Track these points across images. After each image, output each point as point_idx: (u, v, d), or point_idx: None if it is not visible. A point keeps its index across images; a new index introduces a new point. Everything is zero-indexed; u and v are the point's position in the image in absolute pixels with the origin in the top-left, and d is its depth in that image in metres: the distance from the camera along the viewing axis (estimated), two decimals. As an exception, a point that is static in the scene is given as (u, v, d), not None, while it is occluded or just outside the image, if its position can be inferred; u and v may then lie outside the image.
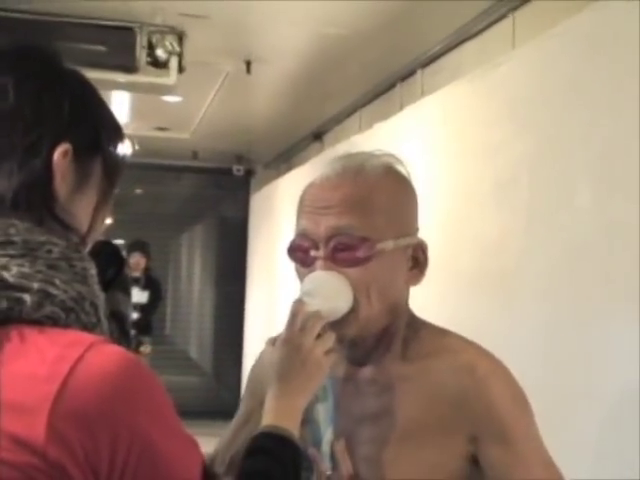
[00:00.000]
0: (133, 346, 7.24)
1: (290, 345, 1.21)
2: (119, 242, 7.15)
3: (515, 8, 3.65)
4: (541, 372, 2.59)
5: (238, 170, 8.69)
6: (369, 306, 1.27)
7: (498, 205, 3.16)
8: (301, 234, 1.31)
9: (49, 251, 0.91)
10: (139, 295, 7.64)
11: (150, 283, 7.87)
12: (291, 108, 6.16)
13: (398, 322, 1.33)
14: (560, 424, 2.43)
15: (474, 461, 1.27)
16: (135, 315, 7.51)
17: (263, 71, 5.08)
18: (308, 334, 1.21)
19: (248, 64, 4.93)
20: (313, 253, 1.28)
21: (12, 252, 0.89)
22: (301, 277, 1.31)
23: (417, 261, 1.32)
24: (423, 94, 4.48)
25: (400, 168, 1.33)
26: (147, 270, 7.89)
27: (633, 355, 2.29)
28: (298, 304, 1.23)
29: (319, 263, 1.26)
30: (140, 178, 8.58)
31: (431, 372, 1.30)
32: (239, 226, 9.05)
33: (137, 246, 7.86)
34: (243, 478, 1.08)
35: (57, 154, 0.94)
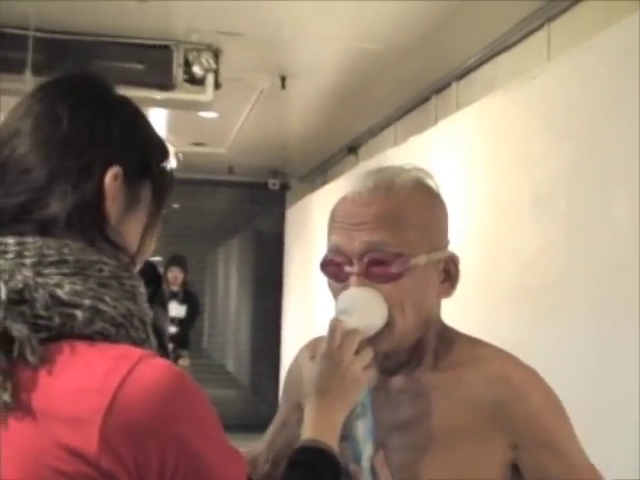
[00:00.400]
0: (172, 360, 7.27)
1: (329, 360, 1.22)
2: (157, 259, 7.22)
3: (550, 19, 3.64)
4: (585, 387, 2.57)
5: (274, 184, 8.73)
6: (404, 321, 1.28)
7: (537, 218, 3.14)
8: (334, 249, 1.31)
9: (100, 270, 0.94)
10: (177, 309, 7.69)
11: (188, 297, 7.92)
12: (326, 122, 6.19)
13: (430, 334, 1.35)
14: (602, 437, 2.41)
15: (514, 468, 1.28)
16: (173, 329, 7.55)
17: (298, 86, 5.11)
18: (347, 350, 1.22)
19: (283, 79, 4.97)
20: (347, 269, 1.29)
21: (65, 271, 0.92)
22: (334, 292, 1.33)
23: (449, 274, 1.33)
24: (458, 107, 4.48)
25: (430, 182, 1.35)
26: (185, 284, 7.93)
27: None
28: (336, 322, 1.25)
29: (353, 279, 1.27)
30: (177, 193, 8.41)
31: (464, 380, 1.31)
32: (275, 240, 9.08)
33: (175, 261, 7.91)
34: None
35: (108, 177, 0.98)
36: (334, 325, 1.24)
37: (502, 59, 4.19)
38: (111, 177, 0.98)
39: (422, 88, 5.00)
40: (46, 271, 0.92)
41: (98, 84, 1.06)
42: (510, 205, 3.38)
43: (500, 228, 3.46)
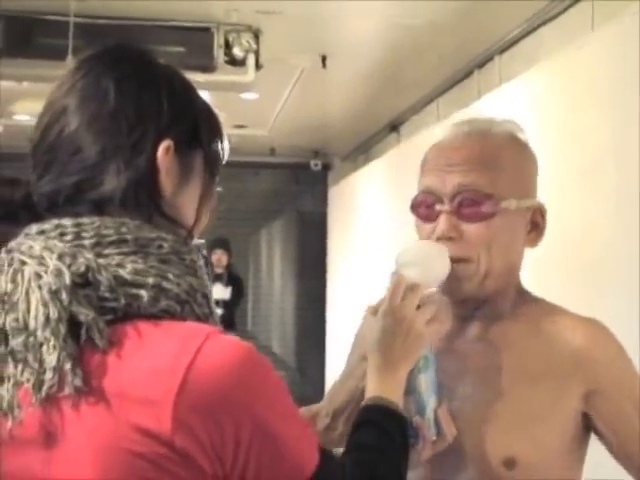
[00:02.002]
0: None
1: (392, 316, 1.22)
2: (200, 241, 7.27)
3: (594, -11, 3.58)
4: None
5: (316, 165, 8.72)
6: (489, 259, 1.30)
7: (585, 192, 3.10)
8: (426, 191, 1.34)
9: (160, 246, 0.94)
10: (222, 292, 7.73)
11: (232, 279, 7.96)
12: (367, 100, 6.16)
13: (511, 283, 1.37)
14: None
15: (584, 418, 1.31)
16: (219, 311, 7.60)
17: (338, 65, 5.09)
18: (409, 305, 1.23)
19: (323, 59, 4.95)
20: (438, 207, 1.31)
21: (125, 250, 0.92)
22: (422, 233, 1.35)
23: (536, 225, 1.36)
24: (501, 81, 4.42)
25: (521, 135, 1.38)
26: (229, 266, 7.97)
27: None
28: (397, 276, 1.25)
29: (443, 217, 1.30)
30: (219, 176, 8.67)
31: (541, 330, 1.34)
32: (318, 220, 9.08)
33: (219, 243, 7.94)
34: (354, 451, 1.10)
35: (160, 150, 0.97)
36: (396, 280, 1.24)
37: (545, 31, 4.12)
38: (163, 150, 0.97)
39: (464, 63, 4.95)
40: (106, 251, 0.92)
41: (141, 55, 1.03)
42: (558, 179, 3.33)
43: (548, 203, 3.40)
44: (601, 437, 1.34)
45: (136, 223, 0.94)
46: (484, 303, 1.35)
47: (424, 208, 1.34)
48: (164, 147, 0.97)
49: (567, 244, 3.18)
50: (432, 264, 1.27)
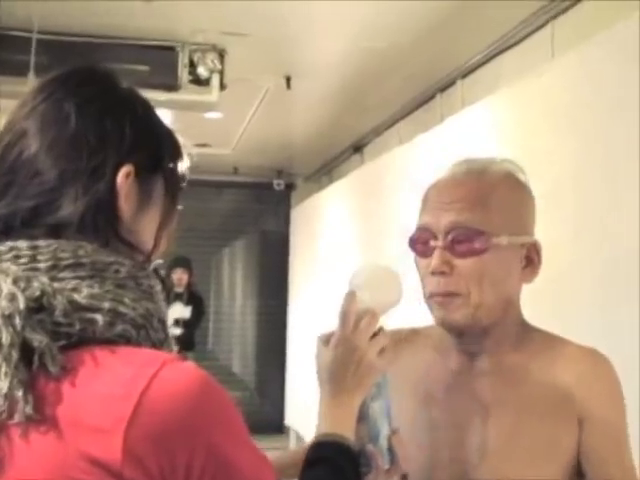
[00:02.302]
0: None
1: (343, 346, 1.22)
2: (158, 261, 7.21)
3: (554, 17, 3.64)
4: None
5: (279, 184, 8.73)
6: (480, 293, 1.33)
7: (544, 216, 3.12)
8: (422, 227, 1.39)
9: (117, 271, 0.93)
10: (182, 311, 7.69)
11: (193, 299, 7.91)
12: (331, 121, 6.19)
13: (510, 317, 1.40)
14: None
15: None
16: (178, 331, 7.55)
17: (303, 86, 5.11)
18: (362, 334, 1.22)
19: (288, 79, 4.97)
20: (432, 243, 1.36)
21: (82, 274, 0.91)
22: (419, 269, 1.40)
23: (531, 261, 1.41)
24: (463, 105, 4.47)
25: (519, 175, 1.42)
26: (190, 286, 7.93)
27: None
28: (349, 300, 1.24)
29: (437, 252, 1.34)
30: (182, 194, 8.64)
31: (542, 364, 1.37)
32: (280, 240, 9.08)
33: (179, 262, 7.90)
34: None
35: (120, 176, 0.96)
36: (347, 306, 1.23)
37: (507, 57, 4.19)
38: (123, 176, 0.96)
39: (427, 86, 5.00)
40: (62, 275, 0.90)
41: (104, 78, 1.02)
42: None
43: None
44: (581, 465, 1.36)
45: (93, 247, 0.93)
46: (485, 337, 1.39)
47: (420, 244, 1.39)
48: (124, 172, 0.96)
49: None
50: (384, 289, 1.28)
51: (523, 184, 1.42)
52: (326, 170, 8.00)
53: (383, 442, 1.25)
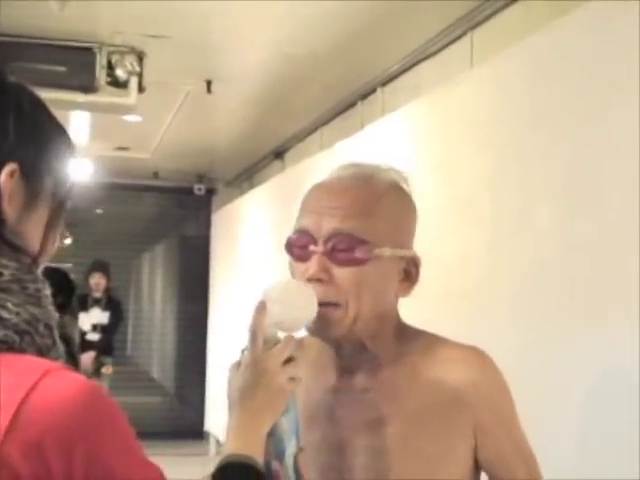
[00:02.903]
0: (93, 368, 7.17)
1: (254, 368, 1.19)
2: (67, 265, 7.07)
3: (473, 27, 3.70)
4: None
5: (199, 189, 8.67)
6: (358, 306, 1.28)
7: (461, 224, 3.18)
8: (301, 230, 1.32)
9: (0, 274, 0.89)
10: (100, 316, 7.57)
11: (111, 303, 7.79)
12: (252, 127, 6.17)
13: (387, 330, 1.36)
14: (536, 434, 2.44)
15: (476, 451, 1.33)
16: (96, 336, 7.43)
17: (224, 90, 5.09)
18: (275, 358, 1.20)
19: (209, 84, 4.94)
20: (312, 248, 1.29)
21: None
22: (295, 273, 1.33)
23: (409, 275, 1.36)
24: (384, 112, 4.51)
25: (404, 185, 1.38)
26: (108, 290, 7.81)
27: (595, 370, 2.32)
28: (258, 315, 1.21)
29: (315, 258, 1.28)
30: (101, 198, 8.52)
31: (424, 372, 1.33)
32: (201, 245, 9.01)
33: (97, 266, 7.78)
34: None
35: (3, 174, 0.91)
36: (255, 324, 1.20)
37: (427, 66, 4.24)
38: (6, 175, 0.91)
39: (348, 93, 5.02)
40: None
41: None
42: (434, 210, 3.41)
43: (424, 233, 3.48)
44: (484, 471, 1.36)
45: None
46: (363, 351, 1.34)
47: (298, 248, 1.33)
48: (7, 171, 0.92)
49: (444, 274, 3.25)
50: (297, 305, 1.24)
51: (408, 195, 1.38)
52: (247, 175, 7.98)
53: (289, 460, 1.23)
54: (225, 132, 6.48)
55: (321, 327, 1.28)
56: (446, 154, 3.36)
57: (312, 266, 1.28)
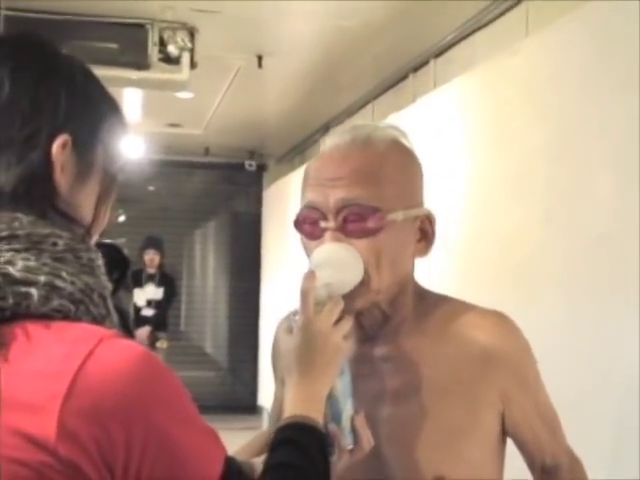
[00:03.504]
0: (149, 342, 7.26)
1: (307, 331, 1.18)
2: (121, 240, 7.13)
3: (528, -4, 3.63)
4: (560, 363, 2.57)
5: (250, 165, 8.68)
6: (380, 278, 1.25)
7: (515, 196, 3.13)
8: (309, 206, 1.28)
9: (54, 244, 0.89)
10: (154, 292, 7.65)
11: (164, 279, 7.87)
12: (303, 101, 6.15)
13: (407, 295, 1.33)
14: (575, 421, 2.42)
15: (503, 417, 1.31)
16: (150, 312, 7.52)
17: (275, 65, 5.07)
18: (325, 319, 1.18)
19: (260, 58, 4.93)
20: (323, 224, 1.26)
21: (17, 246, 0.87)
22: (308, 250, 1.30)
23: (425, 233, 1.32)
24: (436, 85, 4.46)
25: (404, 141, 1.33)
26: (161, 266, 7.89)
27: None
28: (308, 279, 1.20)
29: (328, 234, 1.25)
30: (153, 175, 8.59)
31: (447, 339, 1.31)
32: (252, 221, 9.05)
33: (151, 243, 7.86)
34: (270, 471, 1.04)
35: (56, 146, 0.92)
36: (306, 288, 1.19)
37: (480, 36, 4.17)
38: (59, 146, 0.92)
39: (399, 66, 4.97)
40: None
41: (42, 44, 0.98)
42: (489, 182, 3.38)
43: (478, 206, 3.45)
44: (510, 437, 1.34)
45: (29, 219, 0.90)
46: (385, 321, 1.32)
47: (308, 225, 1.29)
48: (60, 142, 0.93)
49: (498, 246, 3.22)
50: (346, 266, 1.23)
51: (410, 151, 1.33)
52: (298, 150, 7.96)
53: (346, 422, 1.22)
54: (276, 107, 6.47)
55: (345, 305, 1.24)
56: (500, 126, 3.31)
57: (327, 243, 1.25)
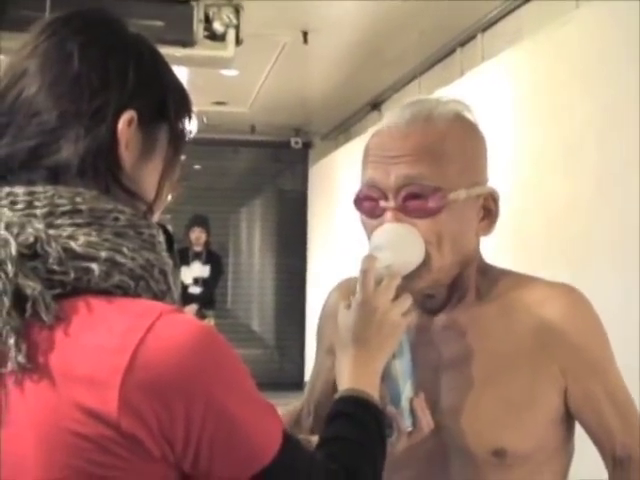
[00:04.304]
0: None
1: (366, 307, 1.17)
2: (167, 217, 7.17)
3: (578, -34, 3.55)
4: (612, 340, 2.52)
5: (296, 143, 8.67)
6: (441, 258, 1.23)
7: (566, 169, 3.08)
8: (369, 184, 1.25)
9: (116, 219, 0.90)
10: (201, 270, 7.70)
11: (211, 257, 7.91)
12: (348, 78, 6.11)
13: (469, 271, 1.30)
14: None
15: (565, 395, 1.26)
16: (197, 289, 7.57)
17: (320, 41, 5.04)
18: (383, 295, 1.17)
19: (305, 34, 4.90)
20: (383, 204, 1.23)
21: (79, 221, 0.88)
22: (367, 229, 1.28)
23: (488, 211, 1.28)
24: (484, 59, 4.40)
25: (468, 115, 1.28)
26: (208, 244, 7.93)
27: None
28: (369, 260, 1.18)
29: (389, 214, 1.22)
30: (198, 153, 8.61)
31: (509, 309, 1.28)
32: (298, 199, 9.05)
33: (197, 221, 7.90)
34: (327, 444, 1.05)
35: (122, 122, 0.93)
36: (367, 265, 1.18)
37: (527, 9, 4.10)
38: (125, 122, 0.93)
39: (446, 40, 4.92)
40: (58, 222, 0.87)
41: (111, 20, 0.99)
42: (539, 156, 3.32)
43: (529, 180, 3.40)
44: (575, 418, 1.29)
45: (92, 194, 0.90)
46: (446, 295, 1.30)
47: (368, 203, 1.26)
48: (126, 118, 0.93)
49: (549, 220, 3.18)
50: (407, 248, 1.21)
51: (473, 125, 1.28)
52: (344, 128, 7.93)
53: (405, 403, 1.21)
54: (321, 84, 6.44)
55: (406, 285, 1.22)
56: (550, 99, 3.25)
57: (387, 224, 1.22)
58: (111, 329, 0.83)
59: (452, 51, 5.00)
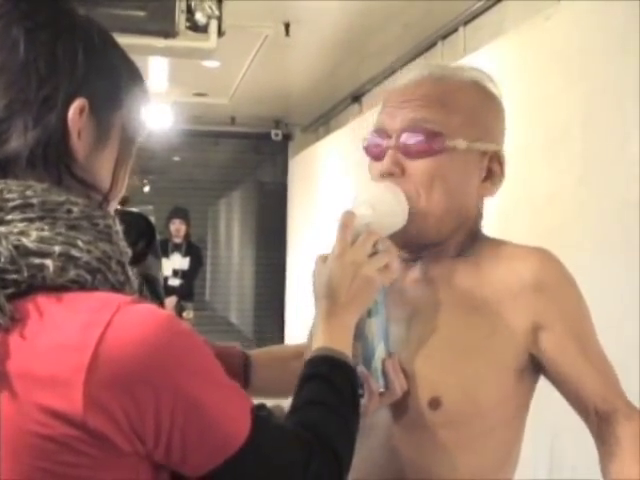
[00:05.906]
0: (175, 312, 7.31)
1: (340, 261, 1.17)
2: (149, 207, 7.13)
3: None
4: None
5: (276, 134, 8.65)
6: (430, 199, 1.24)
7: (550, 160, 3.10)
8: (377, 129, 1.31)
9: (69, 211, 0.87)
10: (180, 262, 7.70)
11: (190, 249, 7.91)
12: (329, 70, 6.10)
13: (460, 229, 1.30)
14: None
15: (532, 358, 1.26)
16: (177, 281, 7.56)
17: (301, 33, 5.03)
18: (359, 250, 1.17)
19: (287, 26, 4.88)
20: (385, 143, 1.27)
21: (31, 215, 0.85)
22: (373, 173, 1.31)
23: (492, 172, 1.31)
24: (466, 52, 4.40)
25: (489, 84, 1.32)
26: (187, 236, 7.92)
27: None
28: (348, 215, 1.19)
29: (388, 153, 1.26)
30: (178, 145, 8.59)
31: (483, 264, 1.28)
32: (278, 191, 9.03)
33: (177, 213, 7.89)
34: (299, 410, 1.03)
35: (72, 110, 0.90)
36: (346, 220, 1.18)
37: (510, 2, 4.11)
38: (75, 110, 0.90)
39: (428, 33, 4.91)
40: (9, 217, 0.84)
41: (59, 4, 0.95)
42: (522, 148, 3.34)
43: (513, 171, 3.40)
44: (547, 377, 1.28)
45: (43, 186, 0.87)
46: (430, 246, 1.30)
47: (374, 146, 1.31)
48: (77, 106, 0.90)
49: (532, 211, 3.20)
50: (390, 208, 1.21)
51: (491, 93, 1.32)
52: (324, 120, 7.92)
53: (377, 364, 1.19)
54: (302, 76, 6.42)
55: (393, 237, 1.23)
56: (533, 91, 3.27)
57: (385, 161, 1.26)
58: (69, 326, 0.81)
59: (434, 44, 5.00)
